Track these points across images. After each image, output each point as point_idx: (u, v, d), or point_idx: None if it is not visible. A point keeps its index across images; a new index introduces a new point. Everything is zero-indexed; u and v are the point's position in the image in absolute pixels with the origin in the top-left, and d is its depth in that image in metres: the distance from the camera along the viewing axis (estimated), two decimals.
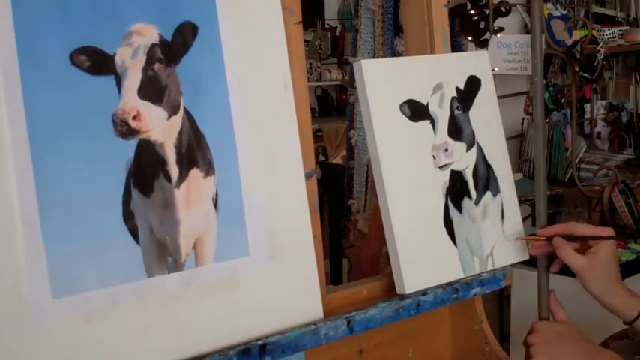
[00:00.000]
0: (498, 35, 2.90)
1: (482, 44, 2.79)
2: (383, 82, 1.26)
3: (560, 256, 1.32)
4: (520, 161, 3.14)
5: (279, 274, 1.12)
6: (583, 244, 1.33)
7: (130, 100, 1.00)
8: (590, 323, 1.40)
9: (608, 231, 1.34)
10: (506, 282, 1.39)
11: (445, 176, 1.32)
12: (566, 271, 1.97)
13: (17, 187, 0.91)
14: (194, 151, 1.05)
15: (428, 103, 1.31)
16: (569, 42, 3.10)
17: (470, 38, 2.77)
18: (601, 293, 1.31)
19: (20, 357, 0.90)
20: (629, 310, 1.30)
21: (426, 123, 1.31)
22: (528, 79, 3.13)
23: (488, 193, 1.38)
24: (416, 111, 1.29)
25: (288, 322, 1.11)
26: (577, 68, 3.07)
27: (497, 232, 1.39)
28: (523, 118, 3.15)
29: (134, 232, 1.00)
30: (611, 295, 1.31)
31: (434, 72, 1.33)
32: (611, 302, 1.31)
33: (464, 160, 1.35)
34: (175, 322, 1.01)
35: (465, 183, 1.35)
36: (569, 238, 1.32)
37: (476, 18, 2.78)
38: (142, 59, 1.02)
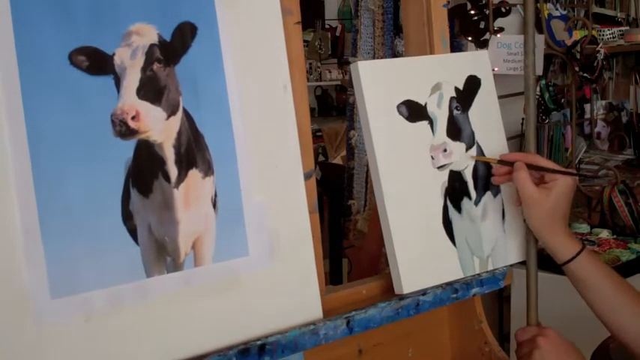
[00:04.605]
0: (498, 35, 2.90)
1: (482, 44, 2.79)
2: (380, 83, 1.26)
3: (514, 179, 1.30)
4: None
5: (278, 274, 1.12)
6: (541, 179, 1.31)
7: (129, 100, 1.00)
8: (590, 323, 1.39)
9: (571, 172, 1.32)
10: (506, 282, 1.38)
11: (444, 176, 1.32)
12: None
13: (16, 188, 0.91)
14: (193, 152, 1.05)
15: (426, 104, 1.31)
16: (569, 42, 3.10)
17: (470, 38, 2.77)
18: (541, 228, 1.29)
19: (20, 357, 0.90)
20: (566, 250, 1.29)
21: (424, 123, 1.30)
22: None
23: (489, 193, 1.38)
24: (413, 111, 1.29)
25: (288, 322, 1.11)
26: (577, 68, 3.07)
27: (498, 232, 1.38)
28: (523, 118, 3.14)
29: (133, 233, 1.00)
30: (550, 233, 1.29)
31: (432, 72, 1.33)
32: (549, 240, 1.30)
33: (463, 160, 1.34)
34: (174, 323, 1.01)
35: (465, 183, 1.34)
36: (533, 167, 1.31)
37: (476, 18, 2.78)
38: (140, 59, 1.02)
